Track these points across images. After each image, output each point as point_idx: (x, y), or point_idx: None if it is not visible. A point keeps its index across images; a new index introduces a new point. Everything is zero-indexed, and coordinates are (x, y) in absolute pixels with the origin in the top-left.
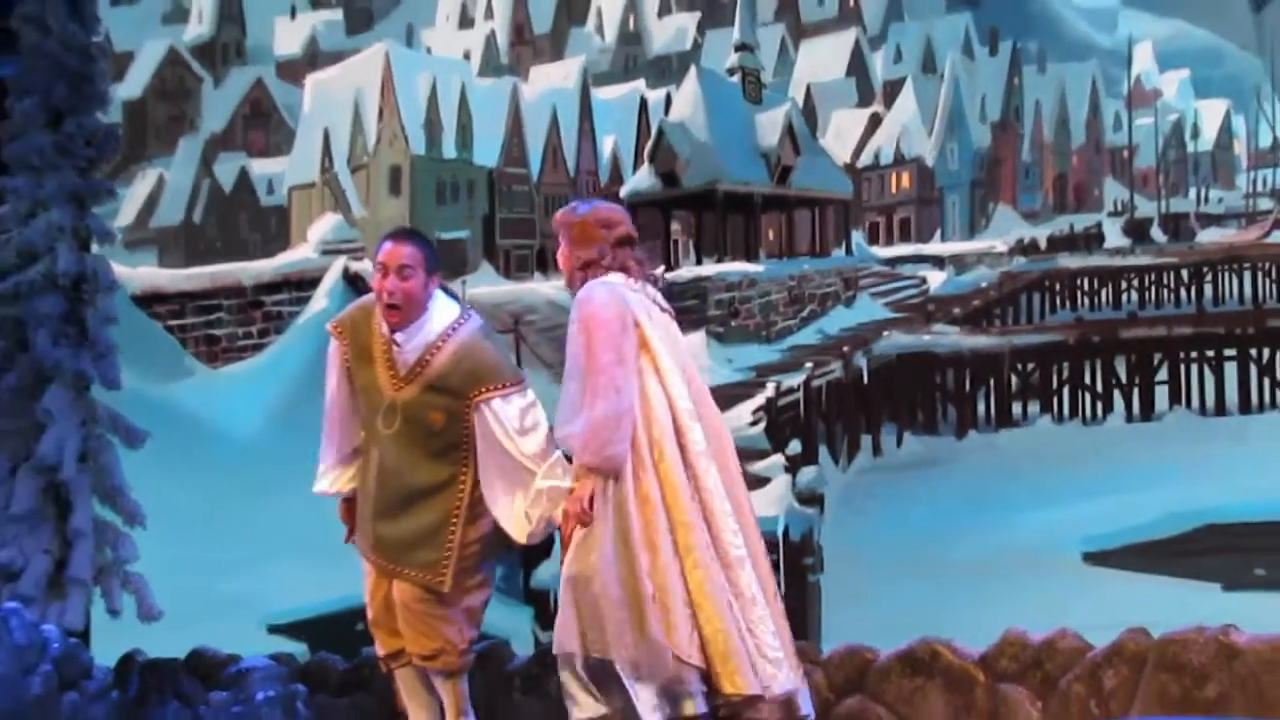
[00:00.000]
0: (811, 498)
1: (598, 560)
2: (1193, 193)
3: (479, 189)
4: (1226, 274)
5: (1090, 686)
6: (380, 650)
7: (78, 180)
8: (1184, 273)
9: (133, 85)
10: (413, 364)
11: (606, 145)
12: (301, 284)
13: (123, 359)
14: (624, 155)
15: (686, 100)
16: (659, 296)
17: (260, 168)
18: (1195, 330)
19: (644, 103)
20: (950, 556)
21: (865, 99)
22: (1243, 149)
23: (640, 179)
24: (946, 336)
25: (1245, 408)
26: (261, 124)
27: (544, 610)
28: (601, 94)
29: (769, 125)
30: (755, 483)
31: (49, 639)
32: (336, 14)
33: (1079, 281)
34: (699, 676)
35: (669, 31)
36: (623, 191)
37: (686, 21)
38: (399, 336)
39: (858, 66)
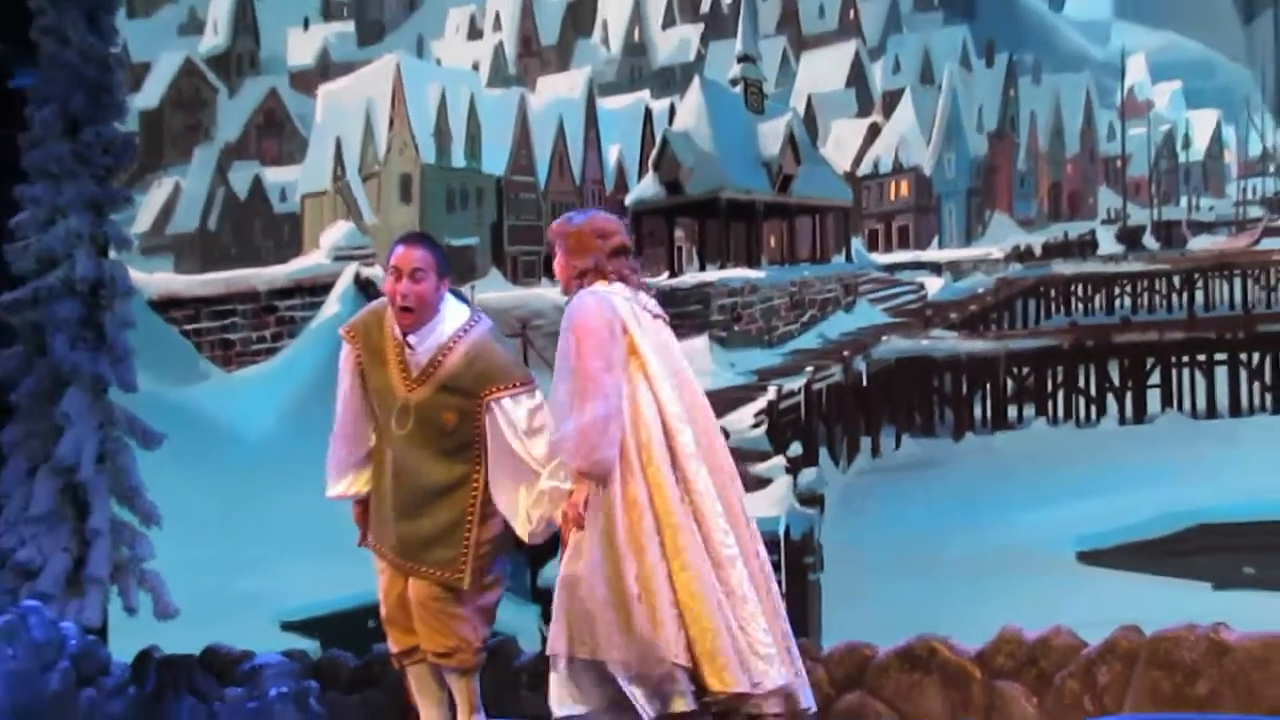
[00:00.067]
0: (812, 498)
1: (587, 564)
2: (1184, 201)
3: (487, 197)
4: (1217, 280)
5: (1084, 683)
6: (393, 647)
7: (96, 188)
8: (1176, 279)
9: (149, 95)
10: (425, 365)
11: (612, 154)
12: (314, 289)
13: (139, 362)
14: (629, 164)
15: (690, 110)
16: (651, 303)
17: (274, 176)
18: (1187, 335)
19: (649, 113)
20: (947, 555)
21: (865, 109)
22: (1233, 158)
23: (645, 187)
24: (944, 341)
25: (1235, 411)
26: (275, 133)
27: (550, 608)
28: (607, 104)
29: (771, 135)
30: (757, 484)
31: (67, 636)
32: (348, 26)
33: (1073, 287)
34: (687, 675)
35: (673, 43)
36: (628, 199)
37: (690, 33)
38: (412, 338)
39: (857, 78)
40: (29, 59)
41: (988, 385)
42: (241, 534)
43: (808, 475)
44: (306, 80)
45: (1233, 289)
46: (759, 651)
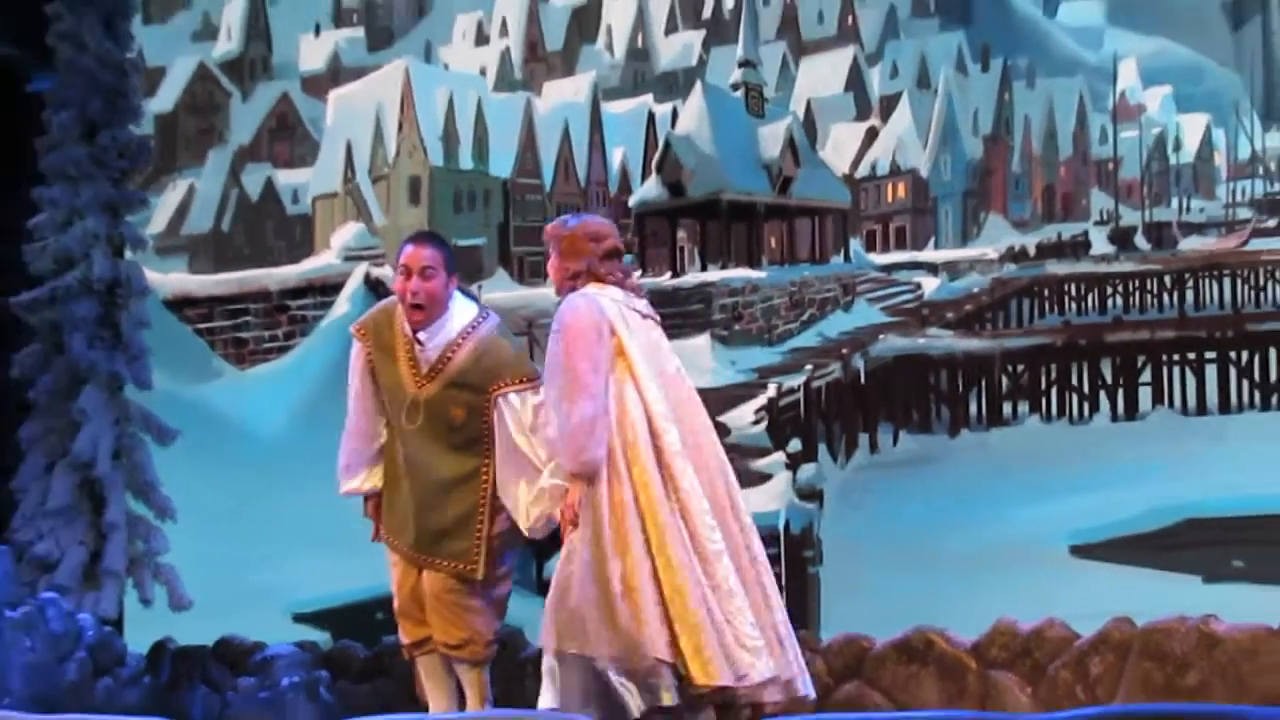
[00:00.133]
0: (811, 493)
1: (577, 565)
2: (1175, 203)
3: (494, 198)
4: (1207, 280)
5: (1077, 673)
6: (405, 638)
7: (112, 190)
8: (1166, 279)
9: (164, 100)
10: (434, 361)
11: (616, 157)
12: (325, 289)
13: (154, 360)
14: (632, 166)
15: (692, 114)
16: (642, 304)
17: (286, 178)
18: (1177, 334)
19: (652, 116)
20: (944, 549)
21: (863, 113)
22: (1222, 161)
23: (648, 189)
24: (940, 339)
25: (1225, 408)
26: (287, 136)
27: None
28: (611, 108)
29: (771, 138)
30: (757, 479)
31: (84, 627)
32: (359, 32)
33: (1066, 287)
34: (671, 670)
35: (676, 49)
36: (631, 201)
37: (692, 39)
38: (421, 335)
39: (855, 82)
40: (47, 64)
41: (983, 383)
42: (254, 528)
43: (807, 471)
44: (318, 85)
45: (1222, 289)
46: (746, 644)
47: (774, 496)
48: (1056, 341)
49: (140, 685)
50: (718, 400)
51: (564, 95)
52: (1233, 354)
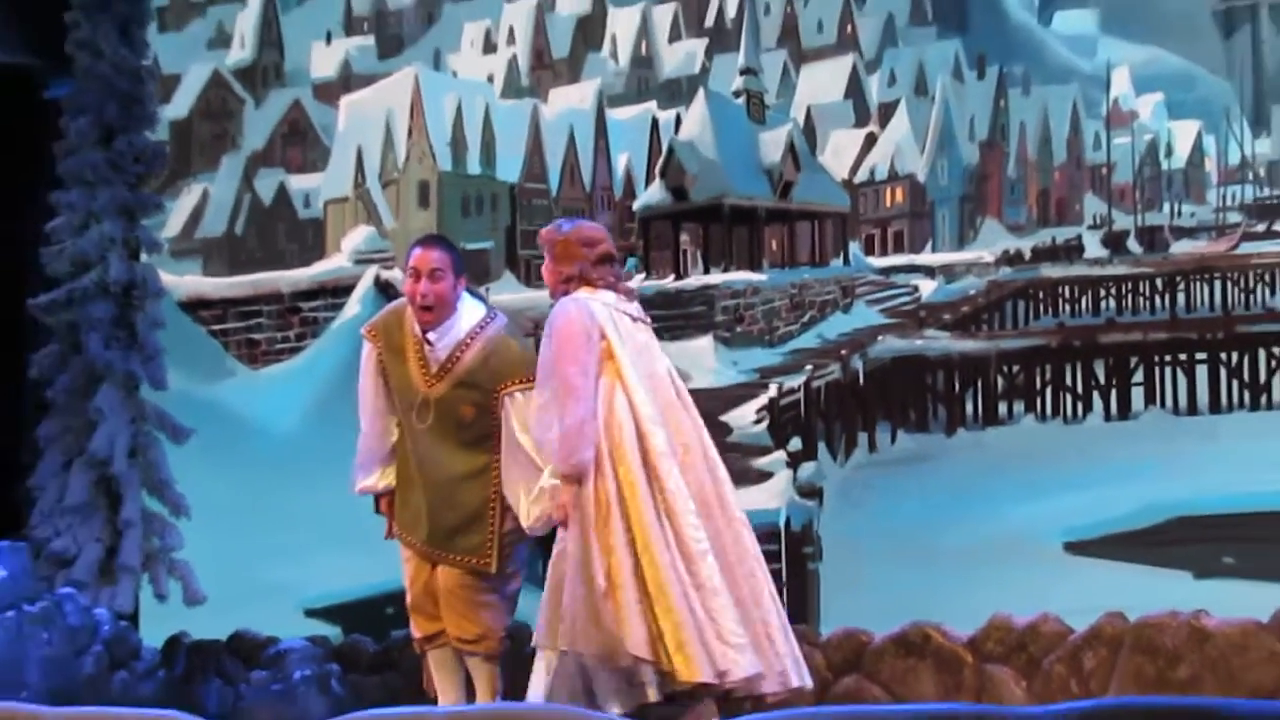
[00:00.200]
0: (811, 491)
1: (569, 564)
2: (1167, 207)
3: (501, 203)
4: (1198, 283)
5: (1071, 667)
6: (417, 633)
7: (128, 194)
8: (1158, 282)
9: (179, 106)
10: (443, 361)
11: (620, 162)
12: (336, 291)
13: (169, 361)
14: (637, 172)
15: (695, 120)
16: (633, 308)
17: (298, 183)
18: (1169, 335)
19: (655, 123)
20: (941, 546)
21: (861, 119)
22: (1213, 166)
23: (652, 194)
24: (937, 341)
25: (1215, 408)
26: (299, 142)
27: None
28: (616, 114)
29: (772, 144)
30: (759, 477)
31: (100, 621)
32: (369, 40)
33: (1060, 290)
34: (652, 668)
35: (679, 56)
36: (636, 205)
37: (695, 47)
38: (431, 336)
39: (854, 89)
40: (64, 72)
41: (979, 383)
42: (266, 524)
43: (807, 469)
44: (329, 92)
45: (1213, 291)
46: (728, 641)
47: (775, 494)
48: (1051, 343)
49: (155, 678)
50: (720, 400)
51: (570, 102)
52: (1223, 355)
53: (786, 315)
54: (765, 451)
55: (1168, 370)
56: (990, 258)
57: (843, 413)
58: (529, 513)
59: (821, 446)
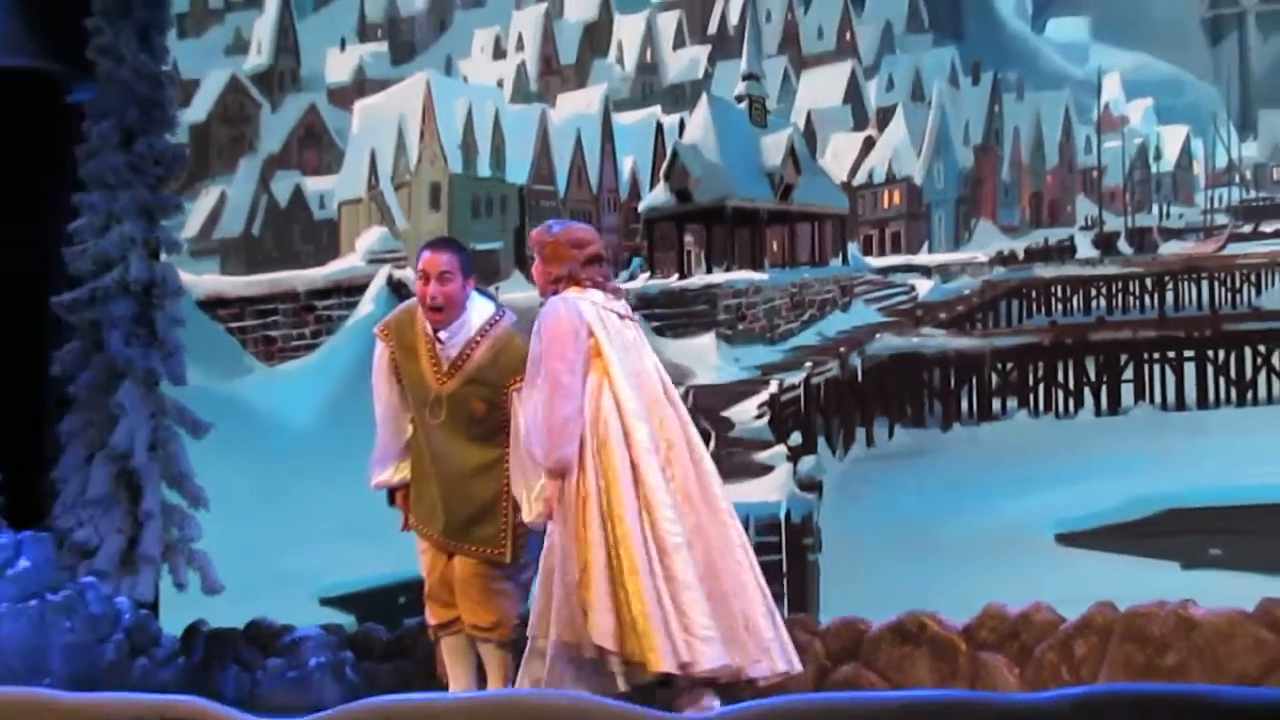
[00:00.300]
0: (811, 484)
1: (554, 557)
2: (1156, 209)
3: (511, 204)
4: (1186, 283)
5: (1062, 655)
6: (432, 620)
7: (148, 196)
8: (1148, 281)
9: (198, 110)
10: (454, 358)
11: (626, 165)
12: (350, 290)
13: (188, 358)
14: (642, 174)
15: (698, 125)
16: (620, 305)
17: (313, 185)
18: (1158, 333)
19: (660, 127)
20: (937, 537)
21: (860, 124)
22: (1201, 170)
23: (656, 196)
24: (933, 338)
25: (1203, 404)
26: (314, 145)
27: None
28: (621, 119)
29: (773, 147)
30: (760, 471)
31: (122, 610)
32: (382, 46)
33: (1053, 289)
34: (618, 658)
35: (683, 62)
36: (641, 207)
37: (699, 53)
38: (442, 335)
39: (853, 95)
40: (87, 77)
41: (974, 380)
42: (282, 516)
43: (807, 463)
44: (343, 96)
45: (1200, 291)
46: (695, 634)
47: (776, 487)
48: (1043, 340)
49: (175, 665)
50: (722, 396)
51: (577, 107)
52: (1210, 353)
53: (787, 314)
54: (766, 446)
55: (1157, 367)
56: (985, 258)
57: (841, 408)
58: (531, 507)
59: (821, 441)
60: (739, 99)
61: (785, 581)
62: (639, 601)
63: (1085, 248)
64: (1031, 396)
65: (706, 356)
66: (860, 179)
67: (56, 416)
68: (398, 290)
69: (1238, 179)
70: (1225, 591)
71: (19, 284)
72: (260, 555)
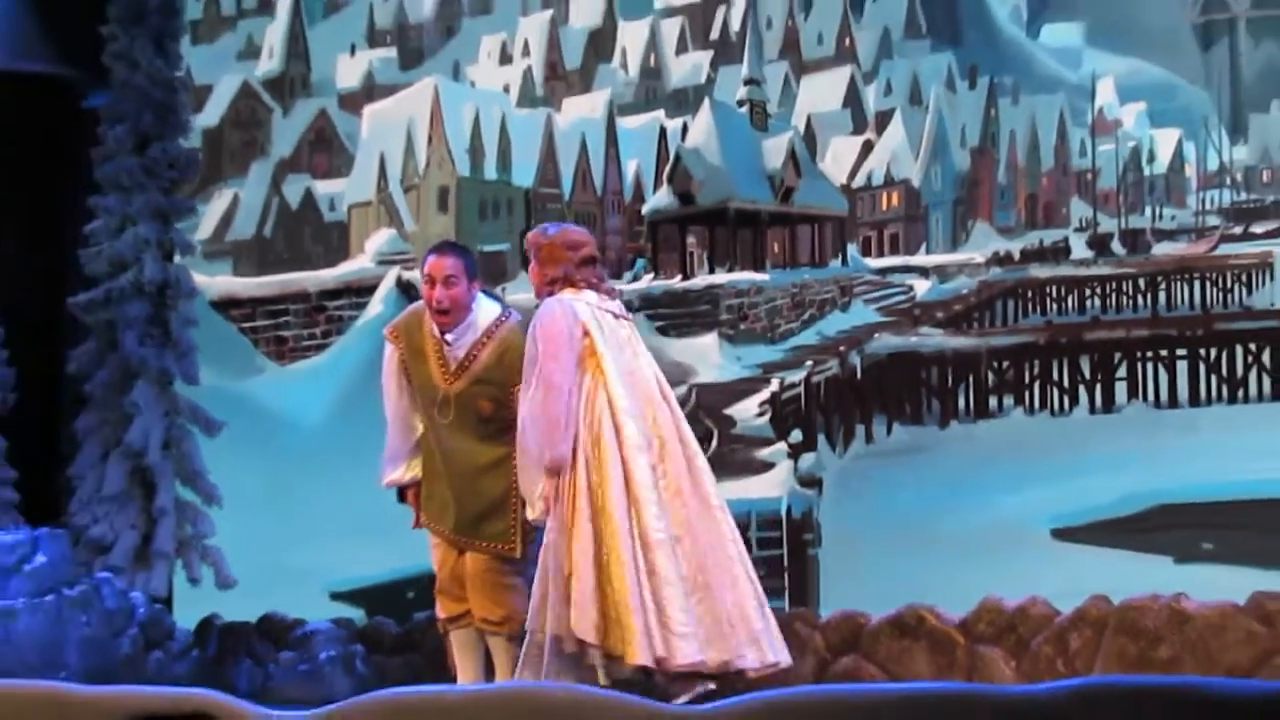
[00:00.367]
0: (811, 481)
1: (549, 553)
2: (1149, 211)
3: (517, 207)
4: (1178, 283)
5: (1058, 648)
6: (442, 613)
7: (162, 199)
8: (1141, 282)
9: (211, 115)
10: (462, 359)
11: (630, 168)
12: (360, 291)
13: (202, 357)
14: (646, 177)
15: (701, 128)
16: (614, 305)
17: (323, 188)
18: (1151, 333)
19: (663, 131)
20: (934, 532)
21: (859, 127)
22: (1193, 172)
23: (660, 198)
24: (931, 338)
25: (1195, 401)
26: (325, 149)
27: None
28: (625, 123)
29: (774, 150)
30: (761, 467)
31: (136, 605)
32: (391, 52)
33: (1048, 289)
34: (599, 651)
35: (685, 68)
36: (644, 209)
37: (701, 59)
38: (449, 336)
39: (852, 99)
40: (102, 82)
41: (971, 378)
42: (294, 513)
43: (807, 460)
44: (353, 101)
45: (1192, 291)
46: (672, 629)
47: (777, 484)
48: (1039, 340)
49: (189, 659)
50: (724, 394)
51: (582, 111)
52: (1202, 351)
53: (788, 313)
54: (768, 443)
55: (1150, 366)
56: (981, 259)
57: (841, 406)
58: (535, 506)
59: (821, 438)
60: (740, 103)
61: (786, 576)
62: (623, 595)
63: (1080, 249)
64: (1027, 394)
65: (709, 355)
66: (859, 181)
67: (72, 415)
68: (407, 291)
69: (1229, 181)
70: (1217, 585)
71: (36, 285)
72: (272, 551)
